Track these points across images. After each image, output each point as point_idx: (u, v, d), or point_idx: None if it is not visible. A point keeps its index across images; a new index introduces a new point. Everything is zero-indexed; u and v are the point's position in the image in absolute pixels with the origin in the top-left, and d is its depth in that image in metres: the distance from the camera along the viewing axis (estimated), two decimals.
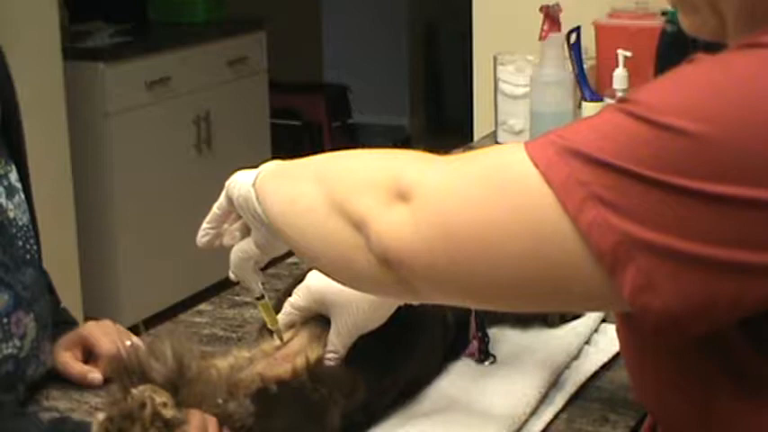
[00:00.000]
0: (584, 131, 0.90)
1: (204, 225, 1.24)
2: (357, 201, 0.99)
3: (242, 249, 1.22)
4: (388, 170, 1.00)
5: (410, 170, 0.98)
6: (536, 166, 0.89)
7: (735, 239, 0.85)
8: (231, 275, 1.27)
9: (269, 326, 1.32)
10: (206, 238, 1.24)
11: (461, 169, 0.97)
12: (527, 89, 2.52)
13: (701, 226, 0.85)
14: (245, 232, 1.22)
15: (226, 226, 1.24)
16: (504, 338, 1.52)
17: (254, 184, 1.14)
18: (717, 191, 0.84)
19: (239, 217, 1.21)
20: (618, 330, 1.07)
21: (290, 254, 1.72)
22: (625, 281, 0.86)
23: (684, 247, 0.85)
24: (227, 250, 1.25)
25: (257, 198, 1.14)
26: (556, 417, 1.36)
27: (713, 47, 0.97)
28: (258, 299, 1.29)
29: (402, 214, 0.95)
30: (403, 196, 0.96)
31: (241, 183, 1.17)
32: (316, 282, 1.33)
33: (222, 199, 1.21)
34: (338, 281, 1.08)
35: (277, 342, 1.32)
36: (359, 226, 0.98)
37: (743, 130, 0.84)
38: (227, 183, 1.20)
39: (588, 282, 0.89)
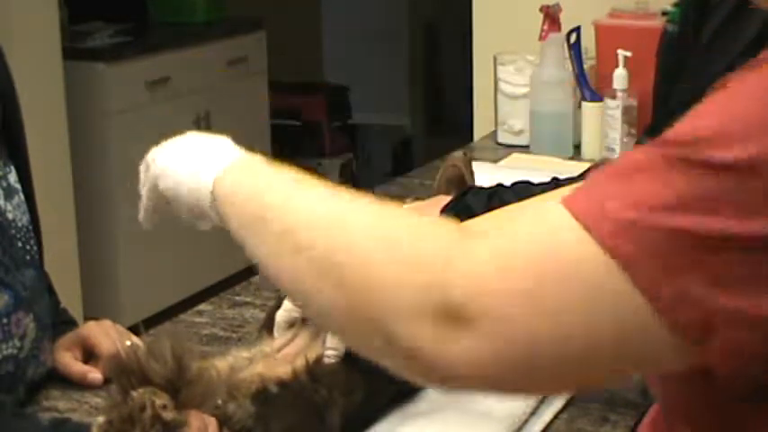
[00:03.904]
0: (642, 196, 0.79)
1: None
2: (400, 329, 0.83)
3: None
4: (425, 284, 0.83)
5: (455, 279, 0.82)
6: (616, 260, 0.78)
7: None
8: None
9: None
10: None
11: (517, 267, 0.82)
12: (527, 89, 2.52)
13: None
14: None
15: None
16: None
17: (213, 190, 1.05)
18: None
19: None
20: None
21: None
22: (712, 350, 0.79)
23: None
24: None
25: (217, 211, 1.05)
26: (556, 417, 1.36)
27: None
28: None
29: (469, 345, 0.82)
30: (458, 320, 0.82)
31: (184, 178, 1.12)
32: None
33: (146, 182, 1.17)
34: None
35: (277, 342, 1.32)
36: (409, 355, 0.84)
37: None
38: (147, 158, 1.15)
39: (667, 357, 0.81)
